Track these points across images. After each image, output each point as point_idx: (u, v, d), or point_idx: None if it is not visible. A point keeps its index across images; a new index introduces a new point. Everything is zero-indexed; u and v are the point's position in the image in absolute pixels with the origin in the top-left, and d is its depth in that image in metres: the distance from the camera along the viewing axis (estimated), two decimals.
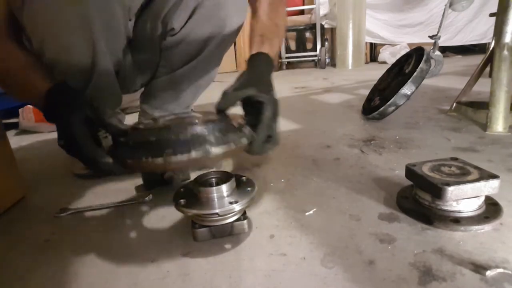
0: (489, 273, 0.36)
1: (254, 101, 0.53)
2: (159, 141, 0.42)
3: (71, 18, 0.65)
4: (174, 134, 0.42)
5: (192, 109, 1.09)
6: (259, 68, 0.63)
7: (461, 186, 0.44)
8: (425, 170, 0.49)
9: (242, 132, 0.48)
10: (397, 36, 3.42)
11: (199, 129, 0.43)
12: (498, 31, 0.86)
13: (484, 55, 0.96)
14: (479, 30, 3.37)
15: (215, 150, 0.42)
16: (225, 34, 0.85)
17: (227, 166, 0.78)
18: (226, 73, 3.26)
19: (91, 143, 0.48)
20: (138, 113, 1.12)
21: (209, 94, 1.40)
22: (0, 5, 0.63)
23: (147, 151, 0.42)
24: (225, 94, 0.53)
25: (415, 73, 0.94)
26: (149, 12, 0.85)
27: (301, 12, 3.68)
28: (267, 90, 0.57)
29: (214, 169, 0.55)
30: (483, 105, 0.92)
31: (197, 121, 0.45)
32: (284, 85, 2.20)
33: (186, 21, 0.83)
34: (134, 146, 0.44)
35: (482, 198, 0.47)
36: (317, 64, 3.37)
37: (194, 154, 0.41)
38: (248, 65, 0.64)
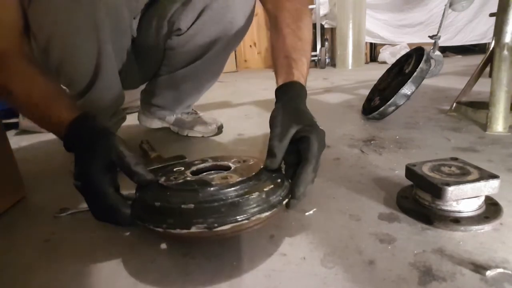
0: (489, 273, 0.36)
1: (298, 138, 0.47)
2: (183, 211, 0.38)
3: (80, 19, 0.65)
4: (199, 203, 0.38)
5: (193, 109, 1.09)
6: (295, 102, 0.54)
7: (461, 186, 0.44)
8: (425, 170, 0.49)
9: (264, 202, 0.41)
10: (397, 36, 3.42)
11: (231, 195, 0.39)
12: (498, 31, 0.86)
13: (484, 55, 0.96)
14: (479, 30, 3.37)
15: (250, 222, 0.38)
16: (231, 37, 0.85)
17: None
18: (227, 73, 3.26)
19: (113, 194, 0.44)
20: (138, 112, 1.13)
21: (210, 95, 1.40)
22: (12, 12, 0.59)
23: (168, 219, 0.38)
24: (272, 150, 0.47)
25: (415, 73, 0.94)
26: (154, 10, 0.84)
27: None
28: (310, 123, 0.50)
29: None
30: (483, 105, 0.92)
31: (228, 182, 0.41)
32: None
33: (193, 22, 0.83)
34: (153, 209, 0.40)
35: (482, 198, 0.47)
36: (317, 64, 3.37)
37: (194, 229, 0.37)
38: (280, 99, 0.55)
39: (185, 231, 0.37)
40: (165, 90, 0.98)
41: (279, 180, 0.44)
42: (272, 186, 0.42)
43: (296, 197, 0.44)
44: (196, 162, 0.52)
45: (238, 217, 0.38)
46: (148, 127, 1.11)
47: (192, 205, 0.38)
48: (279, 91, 0.57)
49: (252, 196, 0.40)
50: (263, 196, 0.41)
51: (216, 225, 0.37)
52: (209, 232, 0.37)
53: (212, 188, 0.40)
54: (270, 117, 0.53)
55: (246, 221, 0.38)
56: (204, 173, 0.49)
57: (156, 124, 1.09)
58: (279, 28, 0.64)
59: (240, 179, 0.42)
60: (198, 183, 0.43)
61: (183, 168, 0.49)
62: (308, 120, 0.51)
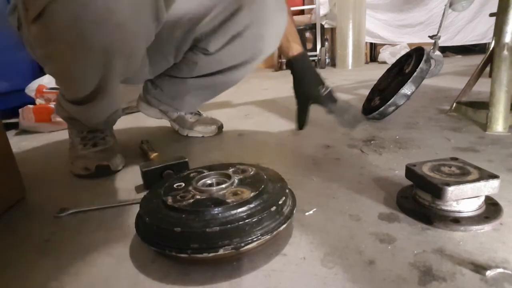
0: (489, 273, 0.36)
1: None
2: (208, 234, 0.38)
3: (90, 60, 0.61)
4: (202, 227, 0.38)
5: (198, 111, 1.09)
6: (301, 73, 0.92)
7: (461, 186, 0.44)
8: (425, 170, 0.49)
9: (279, 215, 0.42)
10: (397, 36, 3.42)
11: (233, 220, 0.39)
12: (498, 31, 0.86)
13: (484, 55, 0.96)
14: (479, 30, 3.37)
15: (250, 246, 0.38)
16: (257, 60, 0.87)
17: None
18: None
19: None
20: (138, 98, 1.09)
21: None
22: None
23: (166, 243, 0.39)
24: (298, 118, 0.97)
25: (415, 73, 0.94)
26: (180, 21, 0.81)
27: (301, 12, 3.68)
28: (315, 92, 0.91)
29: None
30: (483, 105, 0.92)
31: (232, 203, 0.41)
32: (284, 85, 2.20)
33: (222, 46, 0.82)
34: (173, 234, 0.39)
35: (482, 198, 0.47)
36: (317, 64, 3.37)
37: (221, 251, 0.37)
38: (296, 69, 0.93)
39: (212, 254, 0.37)
40: (177, 92, 0.97)
41: (286, 191, 0.46)
42: (284, 197, 0.44)
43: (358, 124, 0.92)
44: (192, 174, 0.51)
45: (261, 234, 0.39)
46: (146, 115, 1.07)
47: (217, 228, 0.38)
48: (290, 66, 0.94)
49: (271, 211, 0.41)
50: (279, 209, 0.42)
51: (242, 244, 0.38)
52: (235, 252, 0.38)
53: (231, 208, 0.40)
54: (293, 86, 0.95)
55: (269, 236, 0.39)
56: (208, 186, 0.48)
57: (156, 115, 1.06)
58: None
59: (253, 194, 0.43)
60: (213, 202, 0.42)
61: (183, 184, 0.48)
62: (316, 91, 0.90)
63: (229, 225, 0.38)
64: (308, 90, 0.91)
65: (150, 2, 0.60)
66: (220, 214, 0.40)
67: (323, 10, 3.37)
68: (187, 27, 0.81)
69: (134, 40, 0.62)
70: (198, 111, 1.09)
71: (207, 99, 1.03)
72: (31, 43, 0.65)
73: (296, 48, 0.90)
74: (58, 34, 0.57)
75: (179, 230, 0.38)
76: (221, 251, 0.37)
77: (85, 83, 0.68)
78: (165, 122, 1.14)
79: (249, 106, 1.54)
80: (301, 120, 0.93)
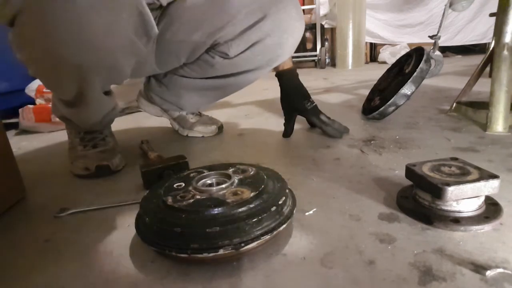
0: (489, 273, 0.36)
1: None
2: (208, 234, 0.38)
3: (66, 74, 0.61)
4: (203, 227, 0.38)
5: (199, 112, 1.09)
6: (284, 91, 0.95)
7: (461, 186, 0.44)
8: (425, 170, 0.49)
9: (279, 215, 0.42)
10: (397, 36, 3.42)
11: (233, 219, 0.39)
12: (498, 31, 0.86)
13: (484, 55, 0.96)
14: (479, 30, 3.37)
15: (250, 246, 0.39)
16: (270, 68, 0.90)
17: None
18: None
19: None
20: (138, 94, 1.09)
21: None
22: None
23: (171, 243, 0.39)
24: (285, 128, 0.96)
25: (415, 73, 0.94)
26: (200, 26, 0.81)
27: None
28: (303, 109, 0.92)
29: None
30: (483, 105, 0.92)
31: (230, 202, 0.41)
32: None
33: (242, 52, 0.83)
34: (173, 234, 0.39)
35: (482, 198, 0.47)
36: (317, 64, 3.37)
37: (221, 251, 0.37)
38: (284, 83, 0.94)
39: (212, 254, 0.37)
40: (184, 92, 0.97)
41: (286, 191, 0.46)
42: (284, 198, 0.44)
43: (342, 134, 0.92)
44: (192, 174, 0.51)
45: (261, 234, 0.39)
46: (146, 112, 1.07)
47: (217, 228, 0.38)
48: (279, 79, 0.95)
49: (271, 211, 0.41)
50: (279, 209, 0.42)
51: (242, 244, 0.38)
52: (235, 252, 0.38)
53: (232, 208, 0.40)
54: (280, 98, 0.97)
55: (269, 236, 0.39)
56: (208, 186, 0.48)
57: (157, 112, 1.06)
58: None
59: (253, 194, 0.43)
60: (213, 202, 0.42)
61: (183, 184, 0.48)
62: (301, 105, 0.92)
63: (229, 225, 0.38)
64: (295, 104, 0.92)
65: (132, 18, 0.60)
66: (220, 214, 0.40)
67: (323, 10, 3.37)
68: (208, 31, 0.81)
69: (111, 57, 0.62)
70: (199, 112, 1.09)
71: (215, 100, 1.03)
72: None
73: (287, 63, 0.91)
74: (29, 45, 0.57)
75: (179, 230, 0.38)
76: (221, 251, 0.37)
77: (64, 91, 0.68)
78: (165, 122, 1.14)
79: (249, 106, 1.54)
80: (287, 129, 0.95)
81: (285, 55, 0.87)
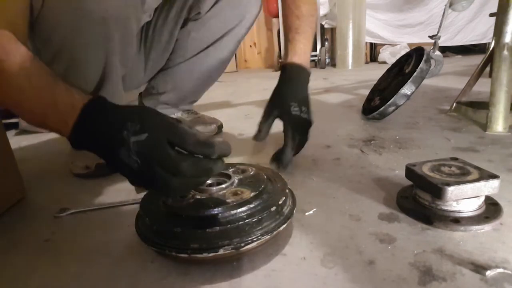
0: (489, 273, 0.36)
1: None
2: (208, 234, 0.38)
3: (89, 35, 0.64)
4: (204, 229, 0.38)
5: (192, 109, 1.09)
6: (285, 85, 0.71)
7: (461, 186, 0.44)
8: (425, 170, 0.49)
9: (279, 215, 0.42)
10: (397, 36, 3.41)
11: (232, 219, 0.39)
12: (498, 31, 0.86)
13: (484, 55, 0.96)
14: (479, 30, 3.37)
15: (250, 246, 0.38)
16: (243, 24, 0.91)
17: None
18: (227, 73, 3.26)
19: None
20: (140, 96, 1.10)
21: (210, 95, 1.40)
22: (23, 7, 0.54)
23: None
24: (259, 125, 0.69)
25: (415, 73, 0.94)
26: (173, 3, 0.89)
27: None
28: (287, 112, 0.66)
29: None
30: (483, 105, 0.92)
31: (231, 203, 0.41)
32: None
33: (212, 6, 0.88)
34: (172, 235, 0.39)
35: (482, 198, 0.47)
36: (317, 64, 3.37)
37: (221, 251, 0.37)
38: (279, 80, 0.72)
39: (212, 254, 0.37)
40: (170, 82, 0.99)
41: (286, 190, 0.46)
42: (284, 197, 0.44)
43: (280, 168, 0.65)
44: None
45: (261, 234, 0.39)
46: None
47: (217, 228, 0.38)
48: (281, 71, 0.75)
49: (271, 211, 0.41)
50: (279, 209, 0.42)
51: (242, 244, 0.38)
52: (235, 252, 0.38)
53: (231, 208, 0.40)
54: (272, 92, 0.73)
55: (269, 236, 0.39)
56: (208, 186, 0.48)
57: None
58: (283, 8, 0.77)
59: (253, 194, 0.43)
60: (213, 202, 0.42)
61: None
62: (286, 106, 0.67)
63: (229, 225, 0.38)
64: (282, 101, 0.69)
65: None
66: (220, 214, 0.40)
67: (323, 10, 3.36)
68: (181, 3, 0.88)
69: (125, 7, 0.67)
70: (194, 110, 1.09)
71: (203, 85, 1.04)
72: (37, 49, 0.66)
73: (298, 57, 0.72)
74: (57, 19, 0.60)
75: (179, 230, 0.38)
76: (221, 251, 0.37)
77: (90, 69, 0.70)
78: None
79: (249, 106, 1.54)
80: (260, 129, 0.69)
81: (251, 8, 0.88)
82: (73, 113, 0.39)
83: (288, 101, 0.67)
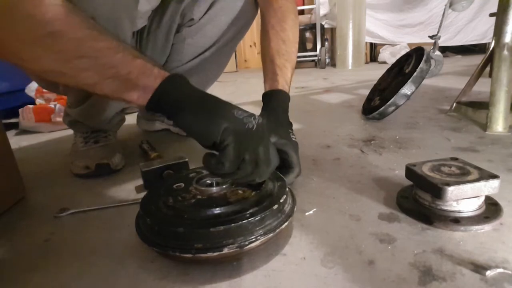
0: (489, 273, 0.36)
1: (278, 149, 0.55)
2: (212, 234, 0.38)
3: None
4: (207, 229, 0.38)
5: None
6: (276, 112, 0.64)
7: (461, 186, 0.44)
8: (425, 170, 0.49)
9: (281, 213, 0.43)
10: (397, 36, 3.41)
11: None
12: (498, 31, 0.86)
13: (484, 55, 0.96)
14: (479, 30, 3.37)
15: (253, 244, 0.39)
16: (239, 27, 0.89)
17: None
18: (227, 73, 3.26)
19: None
20: (137, 116, 1.14)
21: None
22: None
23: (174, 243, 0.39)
24: None
25: (415, 73, 0.94)
26: (163, 10, 0.87)
27: (301, 12, 3.67)
28: (286, 135, 0.61)
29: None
30: (483, 105, 0.92)
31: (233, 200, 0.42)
32: None
33: (205, 12, 0.86)
34: (176, 235, 0.39)
35: (482, 198, 0.47)
36: (317, 64, 3.37)
37: (226, 250, 0.37)
38: (265, 107, 0.65)
39: (216, 253, 0.37)
40: None
41: (286, 189, 0.46)
42: (284, 196, 0.44)
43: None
44: (192, 174, 0.51)
45: (264, 232, 0.39)
46: (147, 130, 1.14)
47: (221, 227, 0.38)
48: (265, 98, 0.66)
49: (273, 209, 0.41)
50: (281, 207, 0.43)
51: (247, 243, 0.38)
52: (239, 251, 0.38)
53: (234, 207, 0.41)
54: None
55: (272, 234, 0.40)
56: (208, 186, 0.48)
57: (156, 126, 1.11)
58: (265, 29, 0.71)
59: (254, 193, 0.43)
60: (215, 202, 0.42)
61: (183, 184, 0.48)
62: (284, 132, 0.61)
63: (232, 224, 0.38)
64: (283, 130, 0.63)
65: None
66: (222, 214, 0.40)
67: (323, 10, 3.36)
68: (173, 8, 0.86)
69: (115, 6, 0.64)
70: None
71: (203, 88, 1.03)
72: None
73: (278, 84, 0.67)
74: None
75: (182, 230, 0.38)
76: (225, 250, 0.37)
77: None
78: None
79: (249, 106, 1.54)
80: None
81: (246, 11, 0.85)
82: (158, 75, 0.44)
83: (287, 129, 0.64)
